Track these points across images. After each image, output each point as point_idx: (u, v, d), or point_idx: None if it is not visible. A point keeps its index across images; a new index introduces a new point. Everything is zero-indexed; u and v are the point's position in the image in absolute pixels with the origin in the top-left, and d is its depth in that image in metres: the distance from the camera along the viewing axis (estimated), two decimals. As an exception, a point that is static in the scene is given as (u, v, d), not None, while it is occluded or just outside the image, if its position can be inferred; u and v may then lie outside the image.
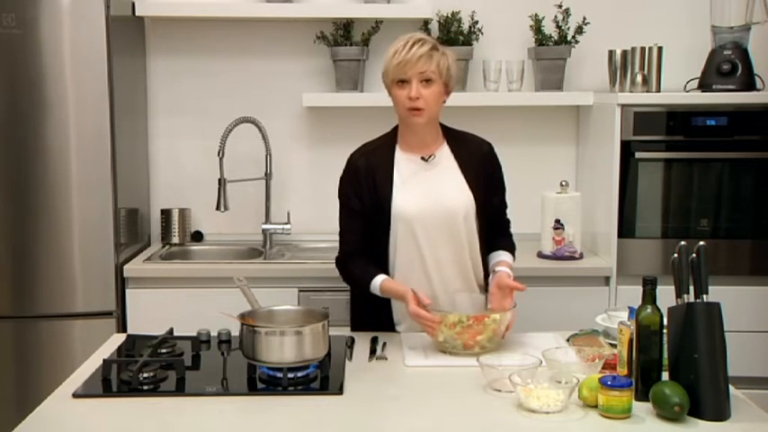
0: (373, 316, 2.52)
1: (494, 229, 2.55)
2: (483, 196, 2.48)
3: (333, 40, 3.52)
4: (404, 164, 2.47)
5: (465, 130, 2.59)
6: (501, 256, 2.53)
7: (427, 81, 2.36)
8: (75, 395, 1.98)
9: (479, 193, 2.47)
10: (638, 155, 3.19)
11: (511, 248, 2.59)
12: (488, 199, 2.51)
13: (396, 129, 2.54)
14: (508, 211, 2.65)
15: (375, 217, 2.46)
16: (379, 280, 2.40)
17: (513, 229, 2.67)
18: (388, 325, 2.51)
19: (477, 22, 3.54)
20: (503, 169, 2.59)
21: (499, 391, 1.98)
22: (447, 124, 2.55)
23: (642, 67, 3.28)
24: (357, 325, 2.58)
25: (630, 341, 1.96)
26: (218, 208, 3.40)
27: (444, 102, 2.46)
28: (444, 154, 2.50)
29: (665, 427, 1.81)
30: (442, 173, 2.47)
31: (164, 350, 2.25)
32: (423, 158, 2.47)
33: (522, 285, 2.36)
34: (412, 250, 2.45)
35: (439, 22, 3.53)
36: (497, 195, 2.57)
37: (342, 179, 2.53)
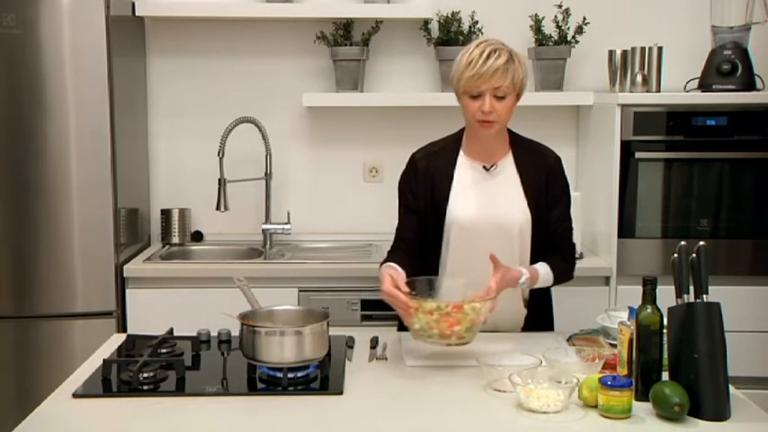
0: None
1: (549, 247, 2.42)
2: (540, 211, 2.40)
3: (333, 40, 3.52)
4: (465, 170, 2.42)
5: (534, 140, 2.51)
6: (537, 265, 2.37)
7: (501, 97, 2.29)
8: (75, 395, 1.98)
9: (537, 207, 2.40)
10: (638, 155, 3.19)
11: (558, 269, 2.39)
12: (545, 214, 2.41)
13: (462, 131, 2.49)
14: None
15: (430, 219, 2.42)
16: (384, 265, 2.33)
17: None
18: None
19: (477, 22, 3.55)
20: (569, 186, 2.49)
21: (499, 391, 1.98)
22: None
23: (642, 67, 3.28)
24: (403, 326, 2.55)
25: (630, 341, 1.96)
26: (218, 208, 3.40)
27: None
28: (507, 164, 2.43)
29: (665, 427, 1.81)
30: (502, 184, 2.41)
31: (164, 350, 2.25)
32: (485, 167, 2.42)
33: (492, 293, 2.16)
34: (462, 257, 2.41)
35: (439, 22, 3.53)
36: (555, 211, 2.44)
37: (402, 176, 2.51)
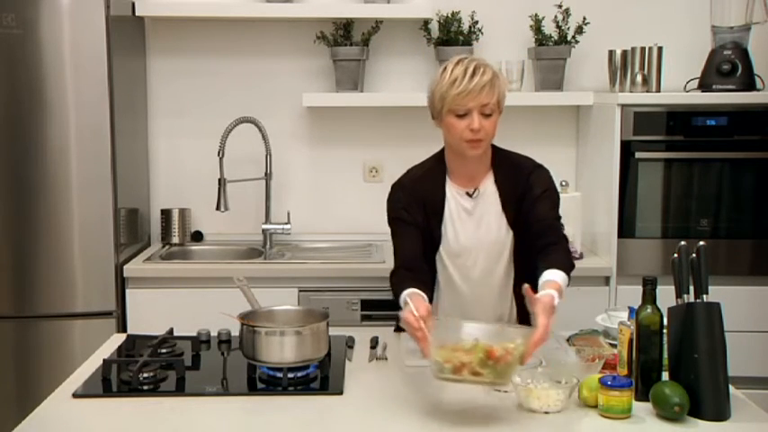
0: None
1: (545, 244, 2.27)
2: (520, 226, 2.34)
3: (333, 40, 3.52)
4: (452, 199, 2.36)
5: (515, 152, 2.43)
6: (550, 274, 2.14)
7: (488, 114, 2.23)
8: (75, 395, 1.98)
9: (517, 223, 2.34)
10: (638, 155, 3.19)
11: (565, 266, 2.20)
12: (526, 225, 2.32)
13: (442, 154, 2.40)
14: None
15: (426, 243, 2.35)
16: (406, 292, 2.11)
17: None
18: None
19: (477, 22, 3.55)
20: (552, 188, 2.38)
21: (499, 390, 1.98)
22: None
23: (642, 67, 3.28)
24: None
25: (630, 341, 1.96)
26: (218, 208, 3.40)
27: None
28: (488, 187, 2.36)
29: (665, 427, 1.81)
30: (484, 208, 2.36)
31: (164, 350, 2.25)
32: (467, 193, 2.36)
33: (546, 331, 1.91)
34: (452, 282, 2.39)
35: (439, 22, 3.53)
36: (539, 207, 2.32)
37: (389, 202, 2.40)
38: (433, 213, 2.35)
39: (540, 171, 2.40)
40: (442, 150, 2.42)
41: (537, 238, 2.29)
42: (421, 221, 2.35)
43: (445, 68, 2.26)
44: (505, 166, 2.38)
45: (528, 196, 2.34)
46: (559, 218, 2.37)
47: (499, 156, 2.39)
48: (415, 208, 2.35)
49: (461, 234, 2.36)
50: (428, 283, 2.27)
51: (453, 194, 2.37)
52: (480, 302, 2.39)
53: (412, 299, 2.03)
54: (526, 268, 2.34)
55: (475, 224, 2.36)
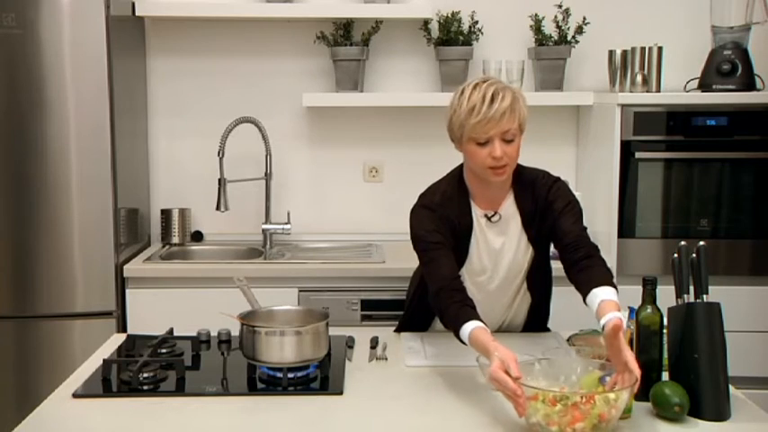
0: (422, 322, 2.50)
1: (574, 257, 2.19)
2: (541, 243, 2.32)
3: (333, 40, 3.52)
4: (477, 221, 2.30)
5: (535, 169, 2.36)
6: (608, 294, 2.01)
7: (510, 140, 2.16)
8: (75, 395, 1.98)
9: (538, 242, 2.31)
10: (638, 155, 3.19)
11: (608, 278, 2.10)
12: (549, 237, 2.30)
13: (460, 174, 2.32)
14: None
15: None
16: (469, 327, 1.99)
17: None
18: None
19: (477, 22, 3.55)
20: (572, 198, 2.31)
21: (495, 389, 1.99)
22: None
23: (642, 67, 3.28)
24: (402, 327, 2.55)
25: (630, 341, 1.96)
26: (218, 208, 3.40)
27: None
28: (509, 209, 2.30)
29: (665, 427, 1.81)
30: (506, 231, 2.31)
31: (164, 350, 2.25)
32: (487, 216, 2.29)
33: (635, 370, 1.78)
34: (477, 300, 2.22)
35: (439, 22, 3.53)
36: (563, 220, 2.25)
37: (421, 223, 2.27)
38: (461, 236, 2.28)
39: (559, 184, 2.33)
40: (460, 170, 2.34)
41: (568, 252, 2.21)
42: (450, 242, 2.26)
43: (462, 92, 2.18)
44: (524, 183, 2.32)
45: (549, 211, 2.28)
46: (585, 228, 2.29)
47: (517, 174, 2.31)
48: (445, 230, 2.26)
49: (484, 255, 2.32)
50: (473, 304, 2.13)
51: (478, 217, 2.30)
52: (489, 311, 2.35)
53: (497, 350, 1.84)
54: (538, 282, 2.39)
55: (497, 246, 2.32)
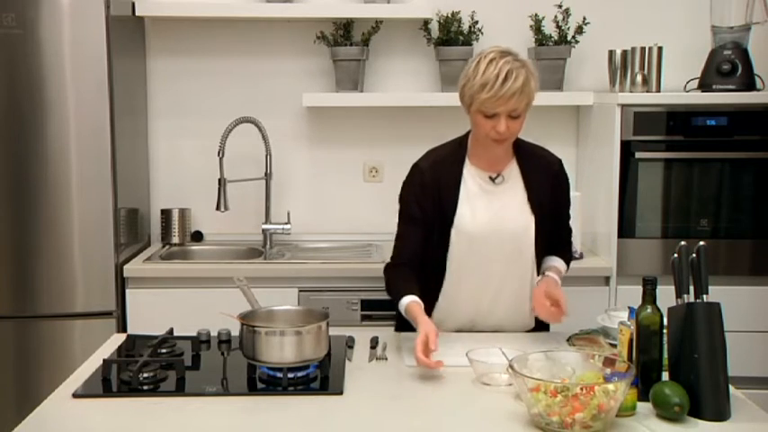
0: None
1: (554, 243, 2.50)
2: (545, 218, 2.41)
3: (333, 40, 3.52)
4: (471, 180, 2.38)
5: (535, 143, 2.49)
6: (554, 261, 2.47)
7: (516, 116, 2.25)
8: (75, 395, 1.98)
9: (542, 214, 2.40)
10: (638, 155, 3.19)
11: (566, 257, 2.55)
12: (550, 218, 2.43)
13: (466, 136, 2.43)
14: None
15: (435, 228, 2.38)
16: (406, 300, 2.27)
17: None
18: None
19: (477, 22, 3.55)
20: (569, 186, 2.54)
21: (487, 384, 2.02)
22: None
23: (642, 67, 3.28)
24: (401, 326, 2.55)
25: (630, 341, 1.96)
26: (218, 208, 3.40)
27: None
28: (512, 172, 2.40)
29: (665, 427, 1.81)
30: (508, 193, 2.39)
31: (164, 350, 2.25)
32: (490, 178, 2.38)
33: (564, 307, 2.27)
34: (467, 265, 2.39)
35: (439, 22, 3.53)
36: (560, 211, 2.51)
37: (405, 185, 2.44)
38: (448, 194, 2.37)
39: (563, 166, 2.50)
40: (467, 133, 2.43)
41: (552, 243, 2.48)
42: (430, 213, 2.38)
43: (478, 63, 2.24)
44: (528, 153, 2.43)
45: (558, 192, 2.47)
46: (570, 231, 2.61)
47: (520, 143, 2.43)
48: (429, 198, 2.38)
49: (480, 215, 2.37)
50: (420, 269, 2.39)
51: (472, 175, 2.39)
52: (486, 277, 2.40)
53: (422, 324, 2.17)
54: (547, 251, 2.48)
55: (496, 208, 2.38)
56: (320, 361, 2.09)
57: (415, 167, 2.44)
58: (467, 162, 2.40)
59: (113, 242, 3.14)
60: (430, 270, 2.42)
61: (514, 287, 2.42)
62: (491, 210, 2.37)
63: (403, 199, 2.44)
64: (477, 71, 2.23)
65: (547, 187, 2.42)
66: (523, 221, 2.39)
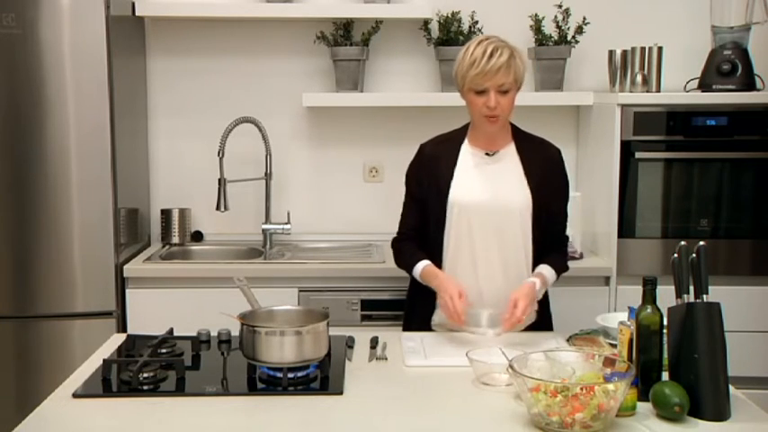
0: (422, 317, 2.56)
1: (548, 240, 2.53)
2: (542, 198, 2.48)
3: (333, 40, 3.52)
4: (467, 156, 2.51)
5: (536, 134, 2.59)
6: (541, 269, 2.49)
7: (505, 91, 2.38)
8: (75, 395, 1.98)
9: (539, 193, 2.47)
10: (638, 155, 3.19)
11: (558, 266, 2.54)
12: (546, 202, 2.49)
13: (467, 125, 2.57)
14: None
15: (432, 203, 2.50)
16: (421, 265, 2.46)
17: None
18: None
19: (477, 22, 3.55)
20: (568, 180, 2.61)
21: (486, 384, 2.02)
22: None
23: (642, 67, 3.28)
24: (408, 326, 2.62)
25: (630, 341, 1.96)
26: (218, 208, 3.40)
27: None
28: (509, 151, 2.51)
29: (665, 427, 1.81)
30: (503, 168, 2.50)
31: (164, 350, 2.25)
32: (487, 153, 2.50)
33: (520, 317, 2.29)
34: (463, 239, 2.47)
35: (439, 22, 3.53)
36: (556, 202, 2.56)
37: (410, 165, 2.59)
38: (445, 167, 2.49)
39: (561, 155, 2.58)
40: (468, 123, 2.56)
41: (547, 233, 2.51)
42: (426, 187, 2.51)
43: (467, 48, 2.41)
44: (526, 139, 2.55)
45: (555, 179, 2.54)
46: (567, 212, 2.64)
47: (519, 131, 2.56)
48: (426, 174, 2.52)
49: (476, 187, 2.46)
50: (421, 241, 2.55)
51: (469, 153, 2.51)
52: (484, 251, 2.47)
53: (445, 281, 2.39)
54: (542, 245, 2.50)
55: (491, 181, 2.47)
56: (320, 361, 2.09)
57: (420, 147, 2.59)
58: (465, 142, 2.53)
59: (113, 242, 3.14)
60: (430, 246, 2.50)
61: (507, 258, 2.47)
62: (486, 183, 2.47)
63: (406, 176, 2.60)
64: (466, 53, 2.40)
65: (544, 168, 2.51)
66: (519, 196, 2.46)
